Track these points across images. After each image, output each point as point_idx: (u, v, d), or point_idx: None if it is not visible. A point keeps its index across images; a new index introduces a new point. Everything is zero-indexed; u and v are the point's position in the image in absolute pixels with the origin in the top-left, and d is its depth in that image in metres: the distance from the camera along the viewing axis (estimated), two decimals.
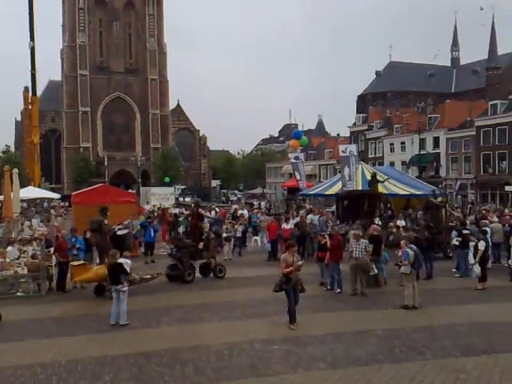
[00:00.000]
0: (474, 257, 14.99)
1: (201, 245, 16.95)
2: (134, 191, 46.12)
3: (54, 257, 15.37)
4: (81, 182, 69.15)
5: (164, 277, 16.45)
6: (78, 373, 8.53)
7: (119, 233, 16.89)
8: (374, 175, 24.18)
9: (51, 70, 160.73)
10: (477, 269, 14.52)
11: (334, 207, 31.59)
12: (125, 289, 11.42)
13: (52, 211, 33.21)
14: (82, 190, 27.75)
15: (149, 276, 15.62)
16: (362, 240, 14.44)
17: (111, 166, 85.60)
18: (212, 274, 17.14)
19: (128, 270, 11.72)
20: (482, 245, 14.71)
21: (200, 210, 18.98)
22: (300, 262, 11.22)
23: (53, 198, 40.21)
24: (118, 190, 28.36)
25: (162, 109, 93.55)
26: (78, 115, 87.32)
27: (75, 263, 15.17)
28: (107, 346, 9.92)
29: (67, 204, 36.01)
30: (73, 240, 15.73)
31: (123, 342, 10.16)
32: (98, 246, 15.65)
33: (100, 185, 28.73)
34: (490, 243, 17.74)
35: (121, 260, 11.74)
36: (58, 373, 8.53)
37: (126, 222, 19.60)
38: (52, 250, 15.74)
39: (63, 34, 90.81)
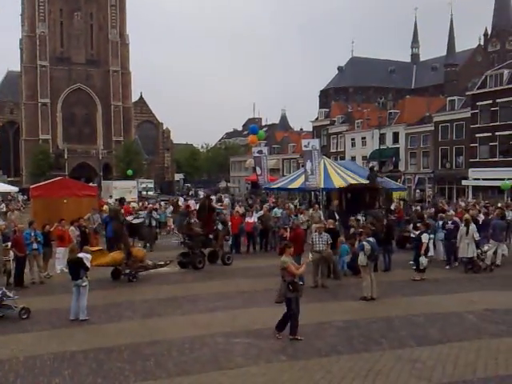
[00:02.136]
0: (416, 249, 15.49)
1: (211, 235, 18.06)
2: (95, 184, 45.42)
3: (11, 251, 15.03)
4: (40, 175, 67.59)
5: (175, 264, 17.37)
6: (36, 369, 8.42)
7: (134, 222, 17.75)
8: (372, 168, 24.83)
9: (10, 60, 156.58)
10: (424, 261, 15.03)
11: (295, 200, 31.93)
12: (85, 284, 11.27)
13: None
14: (41, 183, 27.26)
15: (162, 262, 16.64)
16: (323, 233, 14.66)
17: (72, 159, 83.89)
18: (220, 262, 18.25)
19: (88, 264, 11.57)
20: (425, 237, 15.27)
21: (212, 202, 20.19)
22: (303, 267, 10.32)
23: (10, 192, 39.27)
24: (78, 184, 27.95)
25: (125, 101, 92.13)
26: (38, 107, 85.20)
27: (93, 248, 15.59)
28: (66, 341, 9.80)
29: (26, 197, 35.21)
30: (32, 234, 15.40)
31: (83, 337, 10.06)
32: (115, 233, 16.37)
33: (59, 178, 28.18)
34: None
35: (80, 255, 11.58)
36: (16, 369, 8.40)
37: (86, 217, 19.49)
38: (10, 244, 15.37)
39: (22, 24, 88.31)
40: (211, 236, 18.32)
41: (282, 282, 9.79)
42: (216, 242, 18.49)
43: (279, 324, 9.84)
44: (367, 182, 25.66)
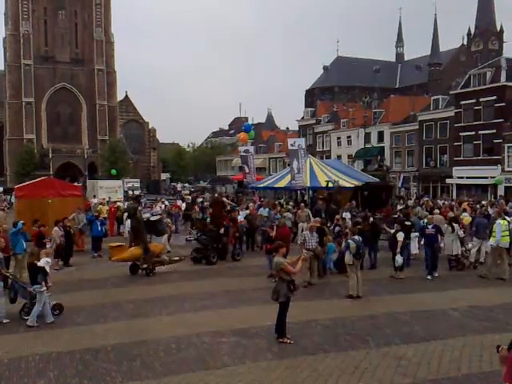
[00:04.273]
0: (391, 248, 15.62)
1: (222, 230, 18.54)
2: (80, 184, 45.13)
3: None
4: (24, 175, 66.99)
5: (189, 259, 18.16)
6: (21, 370, 8.34)
7: (152, 218, 18.53)
8: (387, 169, 25.38)
9: None
10: (400, 259, 15.16)
11: (284, 199, 31.92)
12: (43, 289, 10.83)
13: None
14: (26, 183, 27.00)
15: (177, 258, 17.51)
16: (314, 232, 14.72)
17: (56, 159, 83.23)
18: (231, 257, 18.86)
19: (47, 269, 11.23)
20: (400, 235, 15.45)
21: (224, 199, 21.32)
22: (299, 264, 9.90)
23: None
24: (63, 183, 27.73)
25: (110, 100, 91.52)
26: (22, 106, 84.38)
27: (113, 244, 16.95)
28: (52, 342, 9.72)
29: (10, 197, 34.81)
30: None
31: (68, 338, 9.98)
32: (133, 230, 17.17)
33: (44, 178, 27.95)
34: None
35: (41, 262, 11.12)
36: (0, 371, 8.31)
37: (71, 216, 19.41)
38: None
39: (5, 23, 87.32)
40: (222, 232, 18.68)
41: (279, 281, 9.59)
42: (226, 238, 18.92)
43: (282, 329, 9.57)
44: (347, 180, 26.09)
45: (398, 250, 15.19)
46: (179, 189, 61.49)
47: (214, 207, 19.76)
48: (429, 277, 15.25)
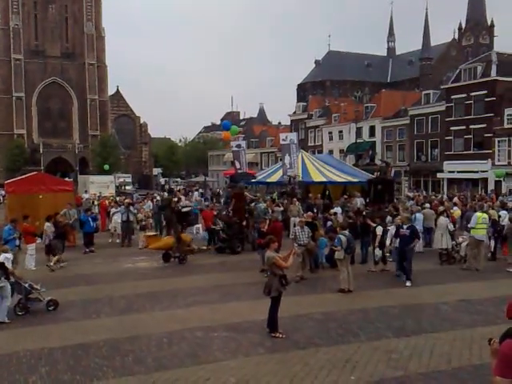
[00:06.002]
0: (373, 241, 15.78)
1: (244, 222, 19.66)
2: (71, 179, 44.91)
3: None
4: (15, 170, 66.64)
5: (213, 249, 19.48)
6: (12, 366, 8.32)
7: (184, 209, 20.23)
8: (387, 164, 26.03)
9: None
10: (378, 252, 15.35)
11: (276, 193, 31.99)
12: (1, 285, 10.69)
13: None
14: (16, 179, 26.87)
15: (204, 247, 19.14)
16: (305, 227, 14.74)
17: (47, 154, 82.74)
18: (251, 246, 19.68)
19: (9, 265, 11.11)
20: (379, 230, 15.60)
21: (246, 193, 22.58)
22: (291, 258, 9.83)
23: None
24: (54, 179, 27.65)
25: (101, 94, 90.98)
26: (12, 101, 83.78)
27: (149, 234, 19.21)
28: (44, 338, 9.70)
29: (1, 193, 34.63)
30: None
31: (60, 334, 9.96)
32: (167, 220, 18.79)
33: (34, 173, 27.79)
34: (422, 228, 18.59)
35: (1, 259, 11.04)
36: None
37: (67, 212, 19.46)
38: None
39: None
40: (244, 224, 19.66)
41: (271, 276, 9.57)
42: (247, 229, 19.87)
43: (274, 323, 9.58)
44: (338, 175, 26.27)
45: (376, 243, 15.37)
46: (163, 183, 61.70)
47: (236, 200, 20.46)
48: (408, 283, 13.66)
